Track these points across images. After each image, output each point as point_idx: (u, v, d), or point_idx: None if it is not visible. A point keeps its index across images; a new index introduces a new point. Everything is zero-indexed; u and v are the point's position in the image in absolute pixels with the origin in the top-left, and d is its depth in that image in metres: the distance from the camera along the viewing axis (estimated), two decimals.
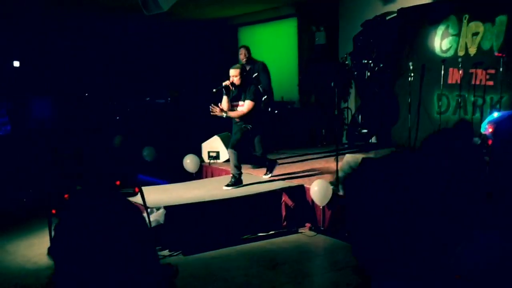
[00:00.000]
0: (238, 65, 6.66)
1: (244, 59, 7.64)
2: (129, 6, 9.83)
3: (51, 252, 1.04)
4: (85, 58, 12.11)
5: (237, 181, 6.58)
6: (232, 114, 6.60)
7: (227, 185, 6.54)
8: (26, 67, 11.78)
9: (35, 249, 5.74)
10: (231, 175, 6.64)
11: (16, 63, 11.70)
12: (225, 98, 6.59)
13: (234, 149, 6.52)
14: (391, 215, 1.00)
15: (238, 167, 6.58)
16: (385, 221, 1.00)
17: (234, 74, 6.52)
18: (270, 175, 6.97)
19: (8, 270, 5.21)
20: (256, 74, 7.64)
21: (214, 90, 6.57)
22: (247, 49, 7.77)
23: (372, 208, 1.02)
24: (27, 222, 6.81)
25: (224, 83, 6.52)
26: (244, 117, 6.57)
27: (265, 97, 7.75)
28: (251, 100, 6.50)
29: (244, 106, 6.52)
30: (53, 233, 1.07)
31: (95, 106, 12.24)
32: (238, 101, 6.62)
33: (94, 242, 1.00)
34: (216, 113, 6.47)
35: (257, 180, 6.92)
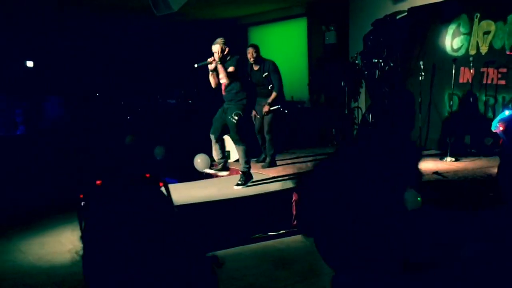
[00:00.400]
0: (219, 39, 6.44)
1: (252, 59, 7.40)
2: (139, 7, 9.90)
3: (82, 237, 1.04)
4: (95, 58, 12.20)
5: (247, 178, 6.51)
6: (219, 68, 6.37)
7: (238, 185, 6.48)
8: (39, 67, 11.90)
9: (47, 247, 5.79)
10: (241, 173, 6.55)
11: (30, 63, 11.81)
12: (211, 74, 6.44)
13: (242, 143, 6.40)
14: (359, 209, 1.00)
15: (248, 161, 6.48)
16: (350, 215, 1.01)
17: (215, 50, 6.35)
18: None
19: (21, 269, 5.24)
20: (266, 73, 7.41)
21: (196, 65, 6.39)
22: (255, 47, 7.49)
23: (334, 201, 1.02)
24: (40, 221, 6.86)
25: (208, 59, 6.36)
26: (235, 97, 6.39)
27: (279, 106, 7.51)
28: (234, 66, 6.33)
29: (229, 69, 6.33)
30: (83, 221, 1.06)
31: (106, 105, 12.33)
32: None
33: (122, 230, 1.00)
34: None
35: (267, 179, 6.92)
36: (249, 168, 6.54)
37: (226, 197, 6.10)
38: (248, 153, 6.47)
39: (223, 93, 6.50)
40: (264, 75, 7.40)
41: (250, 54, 7.38)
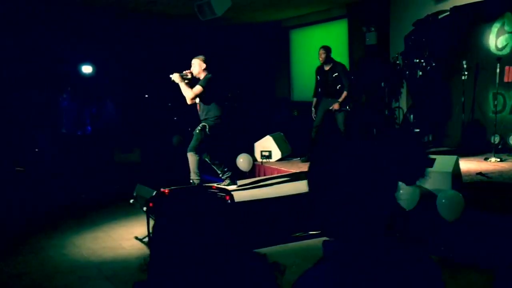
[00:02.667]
0: (200, 56, 6.34)
1: (322, 59, 7.85)
2: (185, 13, 10.19)
3: (150, 244, 1.08)
4: (145, 63, 12.56)
5: None
6: (182, 86, 6.21)
7: None
8: (98, 72, 12.41)
9: (99, 242, 6.02)
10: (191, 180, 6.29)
11: (88, 68, 12.31)
12: (181, 85, 6.22)
13: (195, 153, 6.21)
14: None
15: (197, 173, 6.23)
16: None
17: (193, 62, 6.29)
18: (234, 186, 6.62)
19: (74, 262, 5.45)
20: (336, 74, 7.81)
21: (171, 76, 6.27)
22: (325, 48, 7.89)
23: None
24: (93, 216, 7.15)
25: (184, 72, 6.27)
26: (207, 115, 6.28)
27: (347, 108, 7.86)
28: (201, 85, 6.14)
29: (194, 88, 6.17)
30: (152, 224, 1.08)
31: (154, 107, 12.70)
32: None
33: (189, 240, 1.01)
34: (175, 77, 6.20)
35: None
36: (200, 180, 6.26)
37: (268, 196, 6.20)
38: (199, 165, 6.25)
39: (198, 111, 6.44)
40: (334, 75, 7.84)
41: (322, 55, 7.84)
